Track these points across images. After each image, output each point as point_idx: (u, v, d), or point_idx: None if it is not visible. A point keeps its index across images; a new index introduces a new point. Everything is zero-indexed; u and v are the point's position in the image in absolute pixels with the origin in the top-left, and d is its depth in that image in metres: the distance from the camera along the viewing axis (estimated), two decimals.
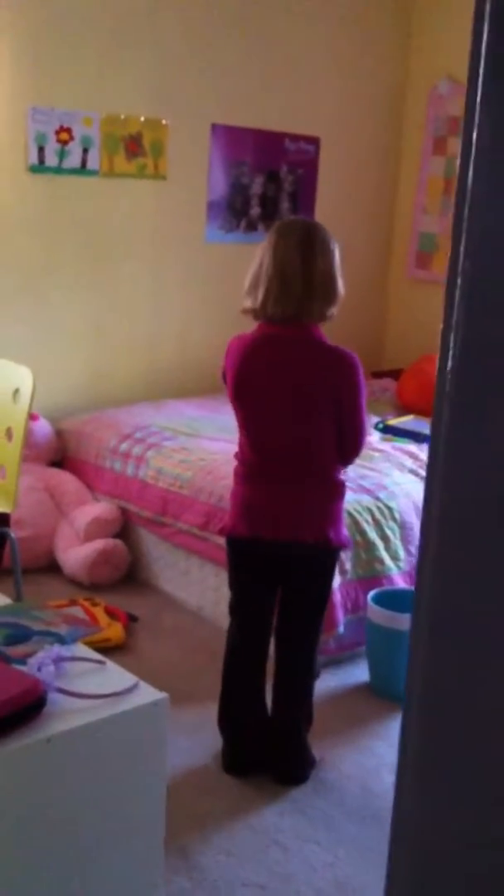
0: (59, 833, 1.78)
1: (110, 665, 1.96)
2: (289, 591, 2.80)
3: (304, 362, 2.62)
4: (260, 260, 2.63)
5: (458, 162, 0.91)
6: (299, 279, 2.57)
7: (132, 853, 1.93)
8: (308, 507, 2.70)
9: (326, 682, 3.33)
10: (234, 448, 2.90)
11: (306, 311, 2.59)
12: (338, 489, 2.75)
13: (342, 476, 2.77)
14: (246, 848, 2.58)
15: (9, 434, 3.42)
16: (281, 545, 2.70)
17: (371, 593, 3.42)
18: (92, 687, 1.84)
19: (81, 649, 2.00)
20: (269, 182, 5.17)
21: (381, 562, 3.59)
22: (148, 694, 1.87)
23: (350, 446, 2.70)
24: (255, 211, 5.14)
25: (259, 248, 2.67)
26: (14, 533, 3.50)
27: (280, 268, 2.58)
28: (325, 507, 2.71)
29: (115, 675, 1.92)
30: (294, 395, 2.62)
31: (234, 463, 2.82)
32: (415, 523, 3.72)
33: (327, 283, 2.60)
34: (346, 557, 3.42)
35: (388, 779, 2.92)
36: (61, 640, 1.95)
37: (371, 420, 4.26)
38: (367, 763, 2.99)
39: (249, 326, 2.75)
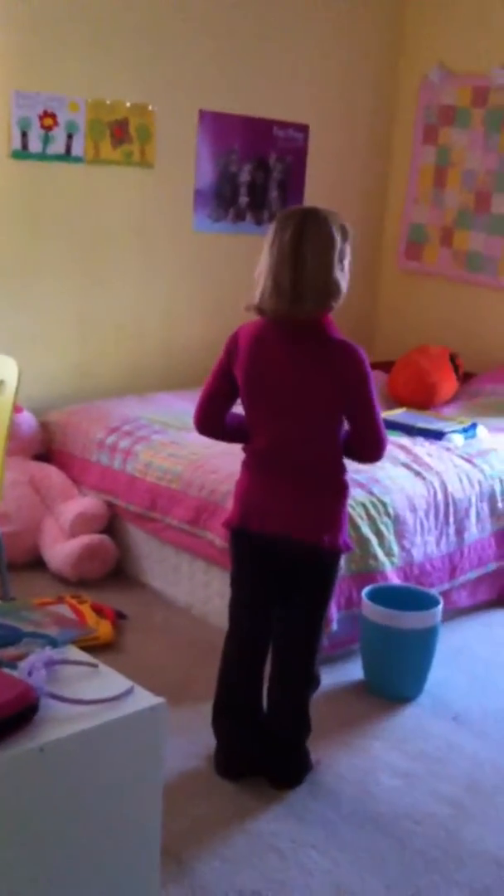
0: (52, 843, 1.70)
1: (103, 668, 1.88)
2: (289, 594, 2.72)
3: (308, 355, 2.55)
4: (262, 256, 2.57)
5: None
6: (287, 277, 2.49)
7: (128, 862, 1.86)
8: (311, 507, 2.63)
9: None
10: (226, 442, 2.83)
11: (297, 308, 2.51)
12: (341, 490, 2.68)
13: (346, 477, 2.70)
14: (241, 853, 2.50)
15: None
16: (283, 541, 2.63)
17: (365, 590, 3.35)
18: (85, 692, 1.76)
19: (73, 652, 1.92)
20: (257, 170, 5.08)
21: (375, 557, 3.51)
22: (144, 699, 1.79)
23: (369, 443, 2.63)
24: (244, 200, 5.05)
25: (264, 241, 2.60)
26: None
27: (272, 265, 2.52)
28: (328, 508, 2.65)
29: (108, 679, 1.84)
30: (298, 386, 2.56)
31: (231, 457, 2.75)
32: (409, 518, 3.66)
33: (319, 280, 2.50)
34: (342, 557, 3.34)
35: (385, 780, 2.85)
36: (52, 643, 1.87)
37: None
38: (364, 764, 2.91)
39: (238, 317, 2.68)
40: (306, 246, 2.50)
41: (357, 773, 2.87)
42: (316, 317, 2.54)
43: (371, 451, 2.66)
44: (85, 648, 1.97)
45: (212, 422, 2.72)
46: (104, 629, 3.45)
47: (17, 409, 3.97)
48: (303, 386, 2.56)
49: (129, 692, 1.79)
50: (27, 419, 4.28)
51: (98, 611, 3.57)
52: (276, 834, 2.58)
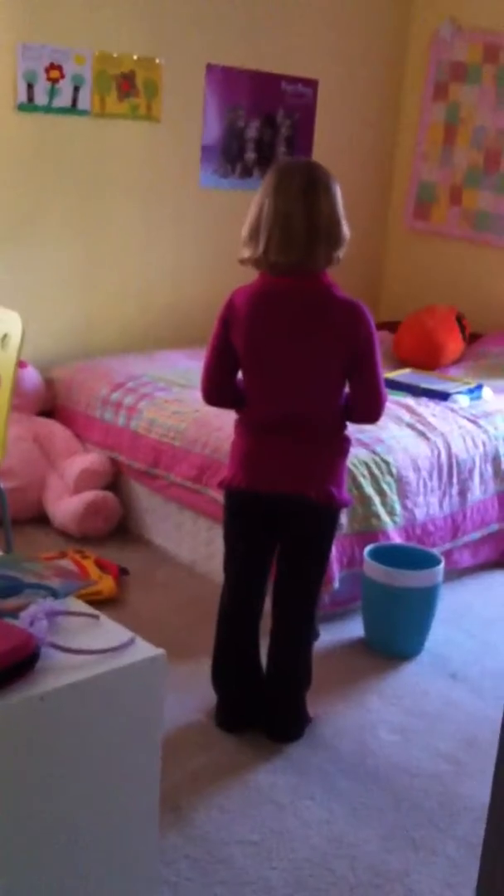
0: (52, 791, 1.72)
1: (104, 620, 1.89)
2: (289, 550, 2.73)
3: (315, 317, 2.53)
4: (259, 206, 2.51)
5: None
6: (303, 225, 2.46)
7: (127, 810, 1.88)
8: (313, 462, 2.63)
9: (321, 638, 3.28)
10: None
11: (311, 257, 2.49)
12: (343, 445, 2.69)
13: (347, 433, 2.71)
14: (240, 804, 2.54)
15: None
16: (283, 499, 2.63)
17: (367, 548, 3.36)
18: (86, 642, 1.77)
19: (75, 603, 1.93)
20: (265, 126, 5.02)
21: (378, 517, 3.52)
22: (144, 650, 1.80)
23: (370, 403, 2.62)
24: (251, 156, 5.00)
25: (257, 194, 2.55)
26: (2, 484, 3.42)
27: (282, 213, 2.46)
28: (330, 464, 2.65)
29: (109, 631, 1.85)
30: (305, 350, 2.54)
31: (234, 415, 2.75)
32: (412, 478, 3.66)
33: (332, 227, 2.50)
34: (341, 512, 3.35)
35: (383, 735, 2.88)
36: (54, 594, 1.88)
37: None
38: (363, 719, 2.94)
39: (244, 275, 2.64)
40: (319, 193, 2.48)
41: (356, 728, 2.90)
42: (323, 269, 2.53)
43: (371, 411, 2.65)
44: (88, 603, 1.98)
45: (220, 394, 2.71)
46: (107, 584, 3.47)
47: (21, 364, 3.97)
48: (309, 347, 2.54)
49: (129, 643, 1.80)
50: (32, 375, 4.27)
51: (101, 566, 3.59)
52: (274, 786, 2.62)
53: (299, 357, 2.55)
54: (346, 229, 2.55)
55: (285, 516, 2.68)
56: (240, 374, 2.69)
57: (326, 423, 2.64)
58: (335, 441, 2.67)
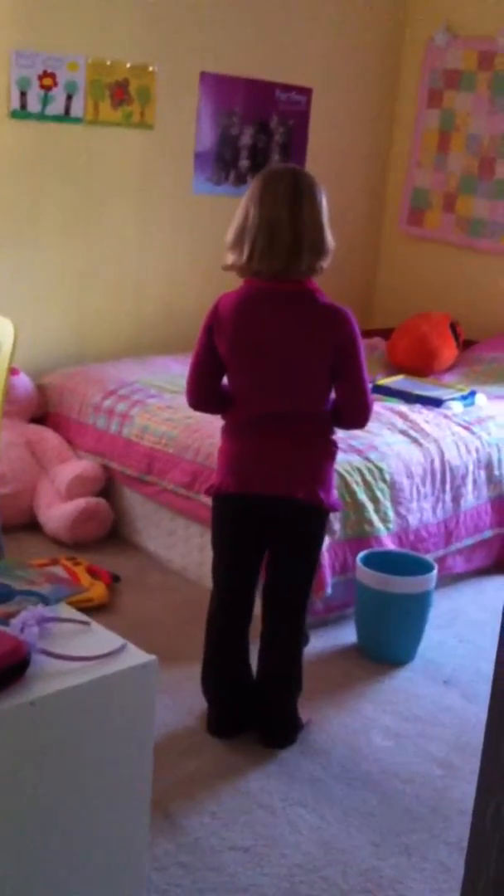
0: (42, 797, 1.72)
1: (95, 626, 1.90)
2: (278, 554, 2.74)
3: (298, 320, 2.54)
4: (244, 212, 2.53)
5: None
6: (287, 233, 2.47)
7: (117, 816, 1.88)
8: (301, 465, 2.64)
9: (314, 644, 3.28)
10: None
11: (294, 265, 2.50)
12: (330, 449, 2.70)
13: (335, 438, 2.72)
14: (231, 810, 2.54)
15: None
16: (271, 501, 2.64)
17: (360, 555, 3.37)
18: (77, 649, 1.78)
19: (66, 610, 1.93)
20: (258, 133, 5.03)
21: (371, 523, 3.53)
22: (135, 656, 1.81)
23: (357, 407, 2.62)
24: (245, 163, 5.01)
25: (243, 200, 2.56)
26: None
27: (267, 221, 2.48)
28: (318, 467, 2.66)
29: (100, 637, 1.86)
30: (289, 353, 2.55)
31: (222, 420, 2.75)
32: (405, 484, 3.66)
33: (316, 236, 2.51)
34: (334, 518, 3.35)
35: (375, 741, 2.88)
36: (45, 601, 1.88)
37: None
38: (355, 725, 2.94)
39: (237, 282, 2.65)
40: (304, 202, 2.49)
41: (348, 733, 2.90)
42: (307, 277, 2.54)
43: (358, 415, 2.65)
44: (80, 610, 1.99)
45: (205, 399, 2.71)
46: (98, 591, 3.46)
47: (13, 371, 3.98)
48: (293, 350, 2.55)
49: (121, 649, 1.81)
50: (24, 382, 4.27)
51: (93, 573, 3.58)
52: (266, 791, 2.61)
53: (283, 361, 2.56)
54: (330, 239, 2.55)
55: (275, 519, 2.68)
56: (225, 380, 2.70)
57: (313, 426, 2.65)
58: (322, 444, 2.67)
